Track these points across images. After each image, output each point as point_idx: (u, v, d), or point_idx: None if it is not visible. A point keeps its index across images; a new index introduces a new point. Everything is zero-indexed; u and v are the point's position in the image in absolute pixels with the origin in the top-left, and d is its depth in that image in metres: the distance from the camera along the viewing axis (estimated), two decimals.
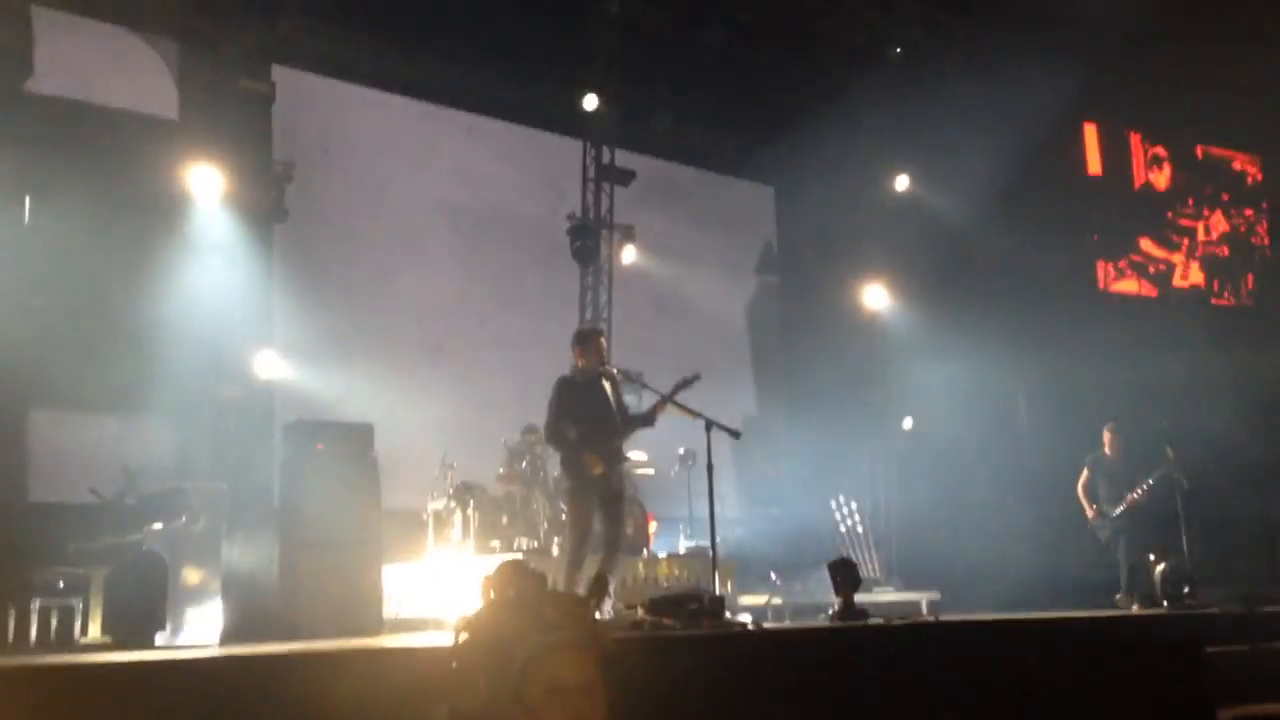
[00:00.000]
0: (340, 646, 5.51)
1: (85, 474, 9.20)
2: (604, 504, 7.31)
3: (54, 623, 6.97)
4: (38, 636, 6.85)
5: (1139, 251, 14.72)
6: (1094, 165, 14.52)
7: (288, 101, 11.03)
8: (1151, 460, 9.55)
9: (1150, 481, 9.44)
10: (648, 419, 7.49)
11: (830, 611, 7.36)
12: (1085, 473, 9.88)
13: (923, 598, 10.40)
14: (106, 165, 9.67)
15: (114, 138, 9.91)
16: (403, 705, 3.63)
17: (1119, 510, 9.49)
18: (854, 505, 12.44)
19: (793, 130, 12.94)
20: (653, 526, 10.15)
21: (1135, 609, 8.46)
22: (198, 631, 7.21)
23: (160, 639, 7.01)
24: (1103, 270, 14.36)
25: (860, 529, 12.33)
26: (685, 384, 7.34)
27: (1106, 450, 9.83)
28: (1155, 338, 12.92)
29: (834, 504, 12.45)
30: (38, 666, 4.24)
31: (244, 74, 10.19)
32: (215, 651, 6.28)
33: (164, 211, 9.92)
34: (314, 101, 11.61)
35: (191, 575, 7.44)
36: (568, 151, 13.07)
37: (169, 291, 9.91)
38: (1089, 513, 9.72)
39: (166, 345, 9.62)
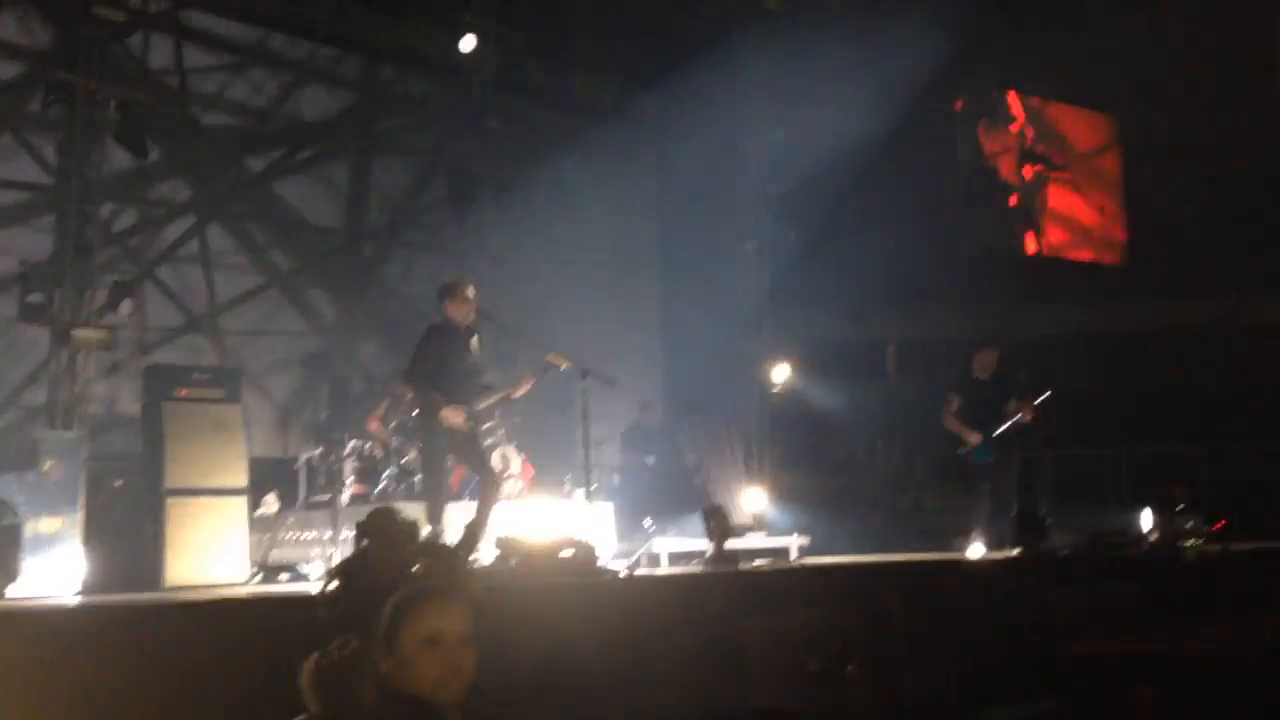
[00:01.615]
0: (205, 596, 5.41)
1: None
2: (464, 458, 7.29)
3: None
4: None
5: (1006, 208, 15.16)
6: (966, 124, 14.87)
7: None
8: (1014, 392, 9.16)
9: (1040, 401, 9.02)
10: (503, 398, 7.55)
11: (704, 557, 7.50)
12: (954, 399, 9.34)
13: (792, 543, 10.64)
14: None
15: None
16: (273, 654, 3.58)
17: (1003, 429, 9.01)
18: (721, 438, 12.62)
19: (672, 80, 12.92)
20: (529, 475, 10.15)
21: (984, 552, 8.75)
22: (55, 582, 6.99)
23: (13, 591, 6.77)
24: (969, 227, 14.77)
25: (731, 463, 12.52)
26: (540, 373, 7.44)
27: (978, 374, 9.40)
28: (1019, 293, 13.41)
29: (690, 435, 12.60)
30: None
31: None
32: (76, 601, 6.11)
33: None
34: None
35: (47, 524, 7.19)
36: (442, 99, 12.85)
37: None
38: (971, 438, 9.08)
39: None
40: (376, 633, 2.58)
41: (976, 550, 8.79)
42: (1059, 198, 15.55)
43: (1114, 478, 12.78)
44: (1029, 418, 9.05)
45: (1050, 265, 15.03)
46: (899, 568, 7.31)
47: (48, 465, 7.25)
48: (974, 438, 9.09)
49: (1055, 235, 15.48)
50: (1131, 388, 13.46)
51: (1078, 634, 5.14)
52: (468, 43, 11.93)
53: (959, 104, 14.88)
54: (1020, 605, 4.92)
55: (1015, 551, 8.42)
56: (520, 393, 7.76)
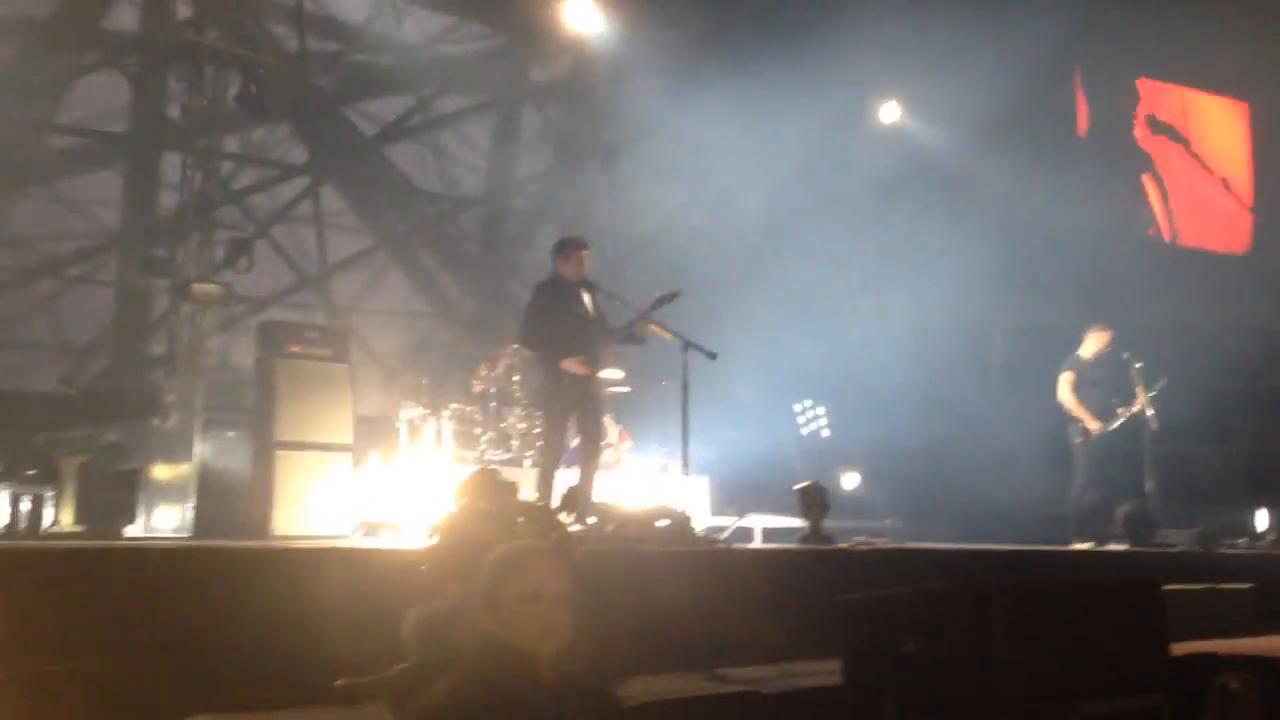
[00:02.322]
0: (311, 545, 5.54)
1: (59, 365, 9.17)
2: (583, 414, 7.28)
3: (24, 511, 6.98)
4: (8, 524, 6.86)
5: (1127, 195, 14.67)
6: (1083, 107, 14.41)
7: None
8: (1135, 379, 8.87)
9: (1155, 392, 8.76)
10: (630, 334, 7.46)
11: (799, 535, 7.45)
12: (1069, 376, 8.93)
13: (888, 525, 10.52)
14: None
15: None
16: (372, 605, 3.66)
17: (1120, 421, 8.74)
18: (820, 410, 12.51)
19: (785, 49, 12.73)
20: (626, 444, 10.19)
21: (1090, 546, 8.54)
22: (168, 526, 7.24)
23: (130, 532, 7.03)
24: (1089, 211, 14.32)
25: (824, 434, 12.41)
26: (664, 300, 7.33)
27: (1089, 354, 9.07)
28: (1137, 281, 12.97)
29: (798, 407, 12.51)
30: (9, 549, 4.25)
31: None
32: (187, 543, 6.32)
33: None
34: None
35: (162, 471, 7.45)
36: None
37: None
38: (1091, 424, 8.77)
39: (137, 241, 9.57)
40: (476, 588, 2.61)
41: (1083, 542, 8.58)
42: (1184, 183, 15.00)
43: (1229, 475, 12.34)
44: (1146, 409, 8.77)
45: (1172, 252, 14.52)
46: (1001, 555, 7.17)
47: (166, 415, 7.50)
48: (1094, 425, 8.79)
49: (1179, 221, 14.94)
50: (1252, 383, 12.94)
51: (1187, 632, 4.98)
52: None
53: (1082, 84, 14.41)
54: (1127, 600, 4.78)
55: (1124, 545, 8.20)
56: (641, 331, 7.66)
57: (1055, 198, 13.03)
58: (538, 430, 8.61)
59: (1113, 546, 8.36)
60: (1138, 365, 8.96)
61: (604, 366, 7.51)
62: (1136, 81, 14.76)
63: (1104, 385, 8.95)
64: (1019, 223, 12.90)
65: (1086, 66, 14.32)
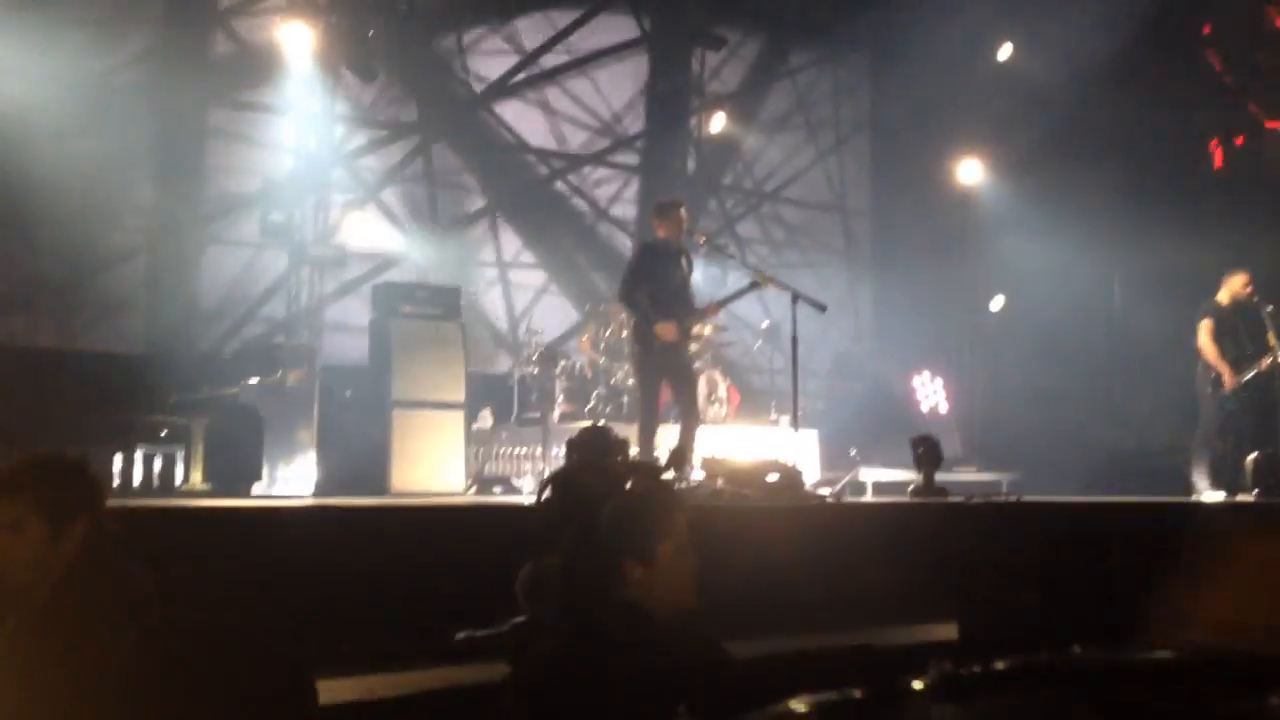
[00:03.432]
0: (428, 503, 5.68)
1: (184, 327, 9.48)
2: (673, 376, 7.35)
3: (156, 470, 7.28)
4: (141, 482, 7.16)
5: (1256, 133, 13.94)
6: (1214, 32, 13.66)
7: None
8: (1269, 327, 8.42)
9: None
10: (701, 314, 7.56)
11: (911, 488, 7.37)
12: (1208, 323, 8.49)
13: (1004, 478, 10.33)
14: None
15: None
16: (488, 560, 3.73)
17: (1249, 375, 8.37)
18: (939, 383, 12.34)
19: None
20: (736, 399, 10.18)
21: (1220, 496, 8.27)
22: (292, 484, 7.48)
23: (257, 489, 7.29)
24: (1214, 149, 13.70)
25: (943, 409, 12.24)
26: (746, 291, 7.40)
27: (1225, 301, 8.63)
28: (1264, 221, 12.40)
29: (917, 382, 12.36)
30: (144, 508, 4.44)
31: None
32: (310, 502, 6.52)
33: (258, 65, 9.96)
34: None
35: (285, 430, 7.68)
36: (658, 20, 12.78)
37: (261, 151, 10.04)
38: (1228, 378, 8.38)
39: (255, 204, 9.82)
40: (610, 542, 2.63)
41: (1211, 494, 8.32)
42: None
43: None
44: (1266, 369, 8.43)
45: None
46: (1122, 508, 6.99)
47: (288, 375, 7.72)
48: (1230, 379, 8.43)
49: None
50: None
51: None
52: None
53: (1207, 25, 13.70)
54: (1255, 550, 4.63)
55: (1252, 496, 7.92)
56: (710, 315, 7.80)
57: (1181, 135, 12.52)
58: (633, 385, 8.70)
59: (1241, 497, 8.09)
60: (1270, 310, 8.59)
61: (692, 335, 7.60)
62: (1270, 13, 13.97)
63: (1239, 334, 8.60)
64: (1140, 163, 12.42)
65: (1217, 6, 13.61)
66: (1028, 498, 7.95)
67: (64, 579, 2.51)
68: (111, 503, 2.83)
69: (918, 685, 1.00)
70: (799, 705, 1.00)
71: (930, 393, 12.37)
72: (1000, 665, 1.01)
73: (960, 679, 1.00)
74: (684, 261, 7.43)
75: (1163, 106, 12.28)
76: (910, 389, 12.38)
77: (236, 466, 7.28)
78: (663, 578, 2.55)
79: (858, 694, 1.01)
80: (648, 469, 3.82)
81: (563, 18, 12.33)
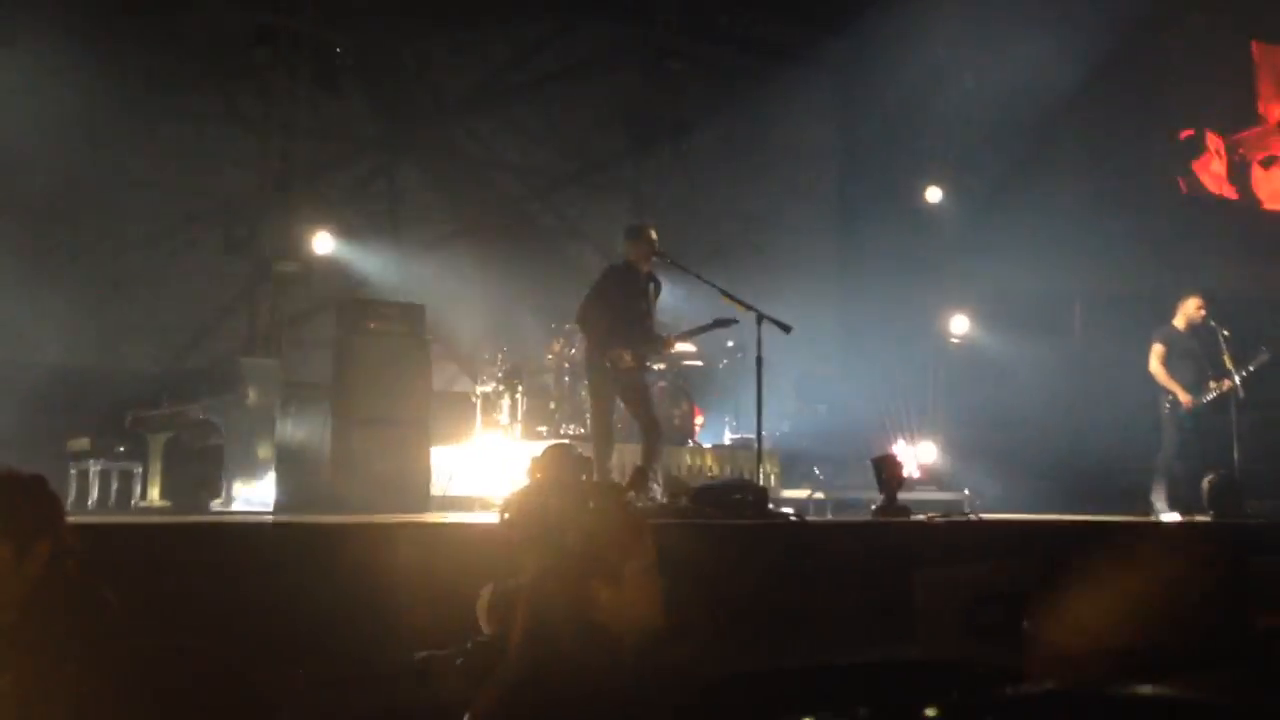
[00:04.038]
0: (389, 520, 5.64)
1: (143, 343, 9.39)
2: (630, 398, 7.31)
3: (114, 486, 7.19)
4: (98, 498, 7.07)
5: (1217, 160, 14.15)
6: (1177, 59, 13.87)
7: None
8: (1224, 351, 8.59)
9: (1250, 369, 8.49)
10: (659, 346, 7.53)
11: (873, 507, 7.40)
12: (1159, 348, 8.66)
13: (966, 498, 10.40)
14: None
15: None
16: (449, 580, 3.72)
17: (1208, 397, 8.52)
18: (904, 406, 12.41)
19: (860, 20, 12.58)
20: (699, 419, 10.20)
21: (1176, 517, 8.37)
22: (251, 502, 7.41)
23: (215, 506, 7.22)
24: (1174, 177, 13.91)
25: (908, 431, 12.32)
26: (705, 329, 7.40)
27: (1180, 324, 8.78)
28: (1221, 247, 12.60)
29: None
30: (97, 525, 4.38)
31: None
32: (269, 519, 6.46)
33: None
34: None
35: (245, 447, 7.61)
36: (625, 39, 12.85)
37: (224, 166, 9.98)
38: (1182, 398, 8.53)
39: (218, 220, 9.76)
40: (553, 565, 2.62)
41: (1168, 514, 8.42)
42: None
43: None
44: (1237, 382, 8.54)
45: (1258, 218, 14.04)
46: (1080, 527, 7.05)
47: (249, 391, 7.66)
48: (1186, 399, 8.56)
49: (1271, 186, 14.41)
50: None
51: (1273, 605, 4.88)
52: None
53: (1171, 48, 13.90)
54: (1211, 572, 4.69)
55: (1208, 516, 8.01)
56: (668, 349, 7.81)
57: (1135, 166, 12.73)
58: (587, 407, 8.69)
59: (1198, 518, 8.19)
60: (1225, 334, 8.71)
61: (651, 364, 7.57)
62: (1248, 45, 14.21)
63: (1197, 356, 8.71)
64: (1098, 189, 12.61)
65: (1177, 33, 13.84)
66: (987, 515, 8.02)
67: (31, 599, 2.46)
68: (70, 519, 2.80)
69: (931, 712, 0.98)
70: None
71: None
72: (1018, 691, 1.00)
73: (976, 708, 0.99)
74: (650, 287, 7.41)
75: (1123, 132, 12.49)
76: (875, 408, 12.44)
77: (194, 483, 7.21)
78: (630, 598, 2.54)
79: (862, 715, 0.99)
80: (611, 489, 3.82)
81: (532, 34, 12.39)
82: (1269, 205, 14.14)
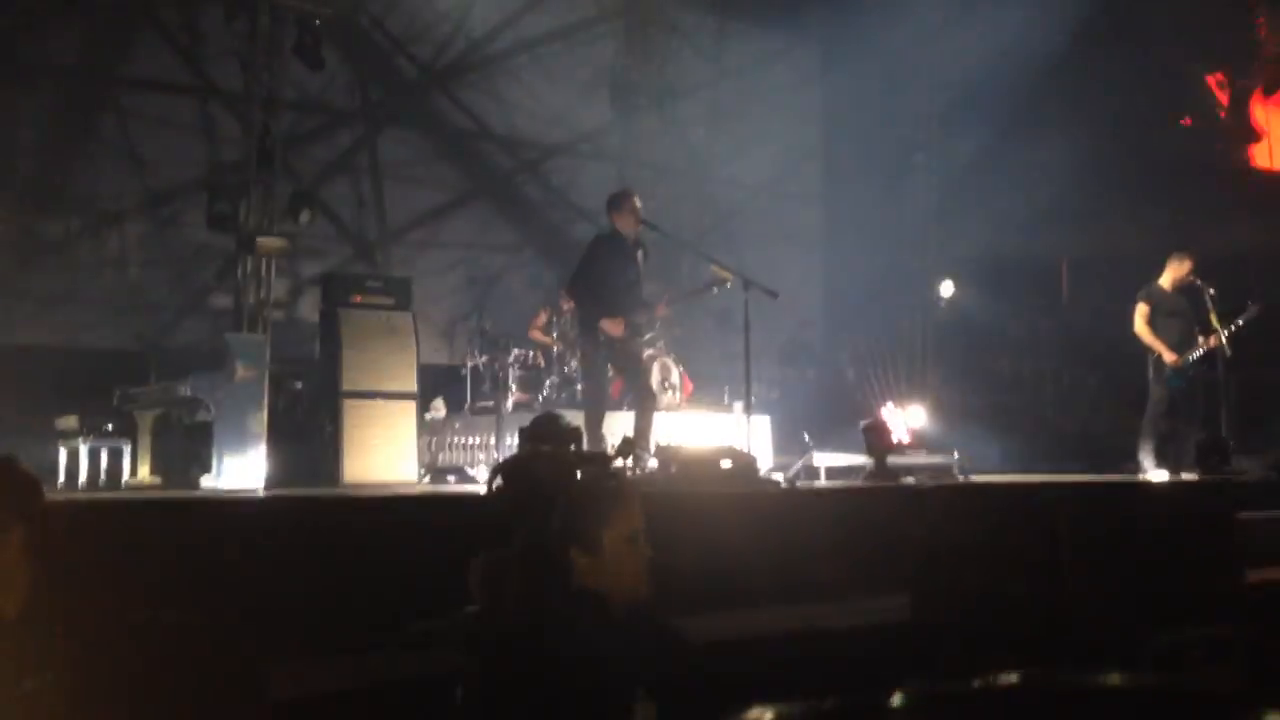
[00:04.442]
0: (380, 494, 5.65)
1: (129, 320, 9.35)
2: (623, 368, 7.35)
3: (103, 464, 7.17)
4: (88, 477, 7.06)
5: (1205, 118, 14.12)
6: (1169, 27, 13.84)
7: None
8: (1210, 309, 8.58)
9: (1237, 326, 8.47)
10: (651, 311, 7.56)
11: (864, 473, 7.43)
12: (1144, 308, 8.68)
13: (954, 461, 10.45)
14: None
15: None
16: (441, 550, 3.72)
17: (1197, 354, 8.53)
18: (882, 354, 12.45)
19: None
20: (689, 387, 10.20)
21: (1165, 476, 8.42)
22: (241, 477, 7.41)
23: (206, 482, 7.21)
24: (1157, 136, 13.90)
25: (897, 395, 12.37)
26: (701, 292, 7.40)
27: (1166, 284, 8.78)
28: (1206, 205, 12.62)
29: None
30: (88, 502, 4.37)
31: None
32: (260, 494, 6.46)
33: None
34: None
35: (234, 422, 7.60)
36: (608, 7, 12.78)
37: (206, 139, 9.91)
38: (1167, 356, 8.52)
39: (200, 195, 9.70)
40: (560, 532, 2.63)
41: (1156, 473, 8.46)
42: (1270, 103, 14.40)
43: None
44: (1224, 340, 8.57)
45: (1243, 176, 14.06)
46: (1069, 488, 7.10)
47: (236, 367, 7.63)
48: (1170, 357, 8.58)
49: (1256, 146, 14.41)
50: None
51: (1261, 561, 4.91)
52: None
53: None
54: (1200, 530, 4.72)
55: (1196, 474, 8.07)
56: (659, 314, 7.84)
57: (1121, 125, 12.71)
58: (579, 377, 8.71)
59: (1186, 476, 8.25)
60: (1211, 292, 8.73)
61: (643, 332, 7.58)
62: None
63: (1185, 315, 8.72)
64: (1087, 148, 12.60)
65: None
66: (976, 478, 8.06)
67: (28, 593, 2.39)
68: (56, 497, 2.78)
69: (896, 701, 0.98)
70: (764, 716, 0.98)
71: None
72: (983, 684, 0.98)
73: (942, 698, 0.99)
74: (639, 255, 7.42)
75: (1110, 92, 12.47)
76: (862, 373, 12.49)
77: (185, 459, 7.20)
78: (610, 567, 2.55)
79: (828, 706, 0.99)
80: (599, 458, 3.83)
81: (511, 2, 12.29)
82: (1259, 163, 14.15)
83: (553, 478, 3.28)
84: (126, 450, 7.22)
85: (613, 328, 7.07)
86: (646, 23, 12.51)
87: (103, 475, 7.12)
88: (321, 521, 4.33)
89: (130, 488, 7.06)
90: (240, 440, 7.44)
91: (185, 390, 7.43)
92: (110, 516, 4.00)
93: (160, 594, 3.52)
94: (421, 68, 11.96)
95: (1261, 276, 10.85)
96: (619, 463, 5.54)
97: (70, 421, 7.16)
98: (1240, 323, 8.56)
